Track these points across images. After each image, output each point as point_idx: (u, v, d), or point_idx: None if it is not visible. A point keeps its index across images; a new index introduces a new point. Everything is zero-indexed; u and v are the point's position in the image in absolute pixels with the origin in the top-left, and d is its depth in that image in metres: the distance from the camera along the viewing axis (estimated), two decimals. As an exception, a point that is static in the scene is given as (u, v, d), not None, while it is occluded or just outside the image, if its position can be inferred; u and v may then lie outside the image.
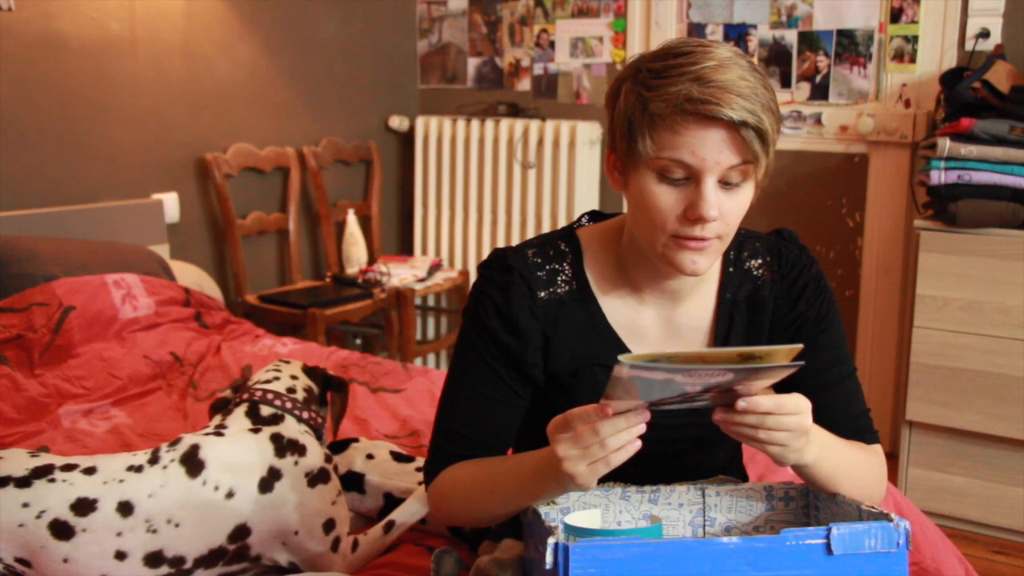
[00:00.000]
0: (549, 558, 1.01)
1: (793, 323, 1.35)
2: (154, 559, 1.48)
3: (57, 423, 2.30)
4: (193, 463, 1.53)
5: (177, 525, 1.50)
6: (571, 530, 1.10)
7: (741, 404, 1.08)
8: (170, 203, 3.39)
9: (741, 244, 1.38)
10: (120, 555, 1.47)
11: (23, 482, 1.48)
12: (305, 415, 1.67)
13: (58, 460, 1.54)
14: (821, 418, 1.26)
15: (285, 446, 1.58)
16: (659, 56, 1.20)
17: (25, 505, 1.46)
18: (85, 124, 3.15)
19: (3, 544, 1.45)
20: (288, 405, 1.66)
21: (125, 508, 1.48)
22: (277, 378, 1.71)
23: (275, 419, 1.63)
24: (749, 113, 1.14)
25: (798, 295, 1.35)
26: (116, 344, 2.60)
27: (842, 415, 1.32)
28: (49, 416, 2.32)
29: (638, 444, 1.08)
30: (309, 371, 1.80)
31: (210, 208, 3.56)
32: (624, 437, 1.07)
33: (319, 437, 1.70)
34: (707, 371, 0.98)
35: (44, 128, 3.04)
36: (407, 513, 1.69)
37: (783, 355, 1.00)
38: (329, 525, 1.58)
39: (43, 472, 1.50)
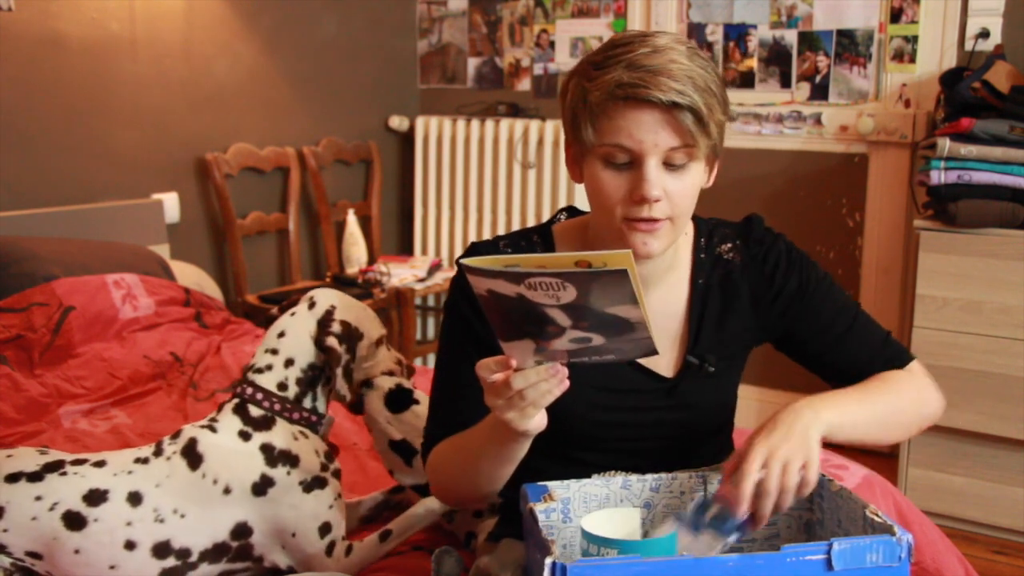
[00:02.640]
0: None
1: (776, 299, 1.38)
2: (161, 550, 1.50)
3: (57, 423, 2.30)
4: (193, 455, 1.55)
5: (183, 516, 1.52)
6: (590, 537, 1.08)
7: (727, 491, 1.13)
8: (170, 203, 3.39)
9: (712, 231, 1.41)
10: (129, 545, 1.49)
11: (35, 476, 1.51)
12: (296, 416, 1.61)
13: (67, 456, 1.57)
14: (851, 365, 1.35)
15: (276, 457, 1.56)
16: (603, 49, 1.24)
17: (38, 498, 1.48)
18: (85, 124, 3.15)
19: (14, 539, 1.47)
20: (277, 407, 1.60)
21: (135, 498, 1.51)
22: (270, 366, 1.63)
23: (265, 423, 1.59)
24: (678, 94, 1.16)
25: (771, 272, 1.38)
26: (116, 344, 2.60)
27: (866, 352, 1.39)
28: (49, 416, 2.32)
29: (565, 384, 1.08)
30: (320, 330, 1.65)
31: (210, 208, 3.56)
32: (542, 387, 1.07)
33: (318, 431, 1.64)
34: (548, 282, 0.97)
35: (44, 128, 3.04)
36: (405, 524, 1.68)
37: (618, 260, 0.96)
38: (325, 528, 1.58)
39: (54, 467, 1.53)
